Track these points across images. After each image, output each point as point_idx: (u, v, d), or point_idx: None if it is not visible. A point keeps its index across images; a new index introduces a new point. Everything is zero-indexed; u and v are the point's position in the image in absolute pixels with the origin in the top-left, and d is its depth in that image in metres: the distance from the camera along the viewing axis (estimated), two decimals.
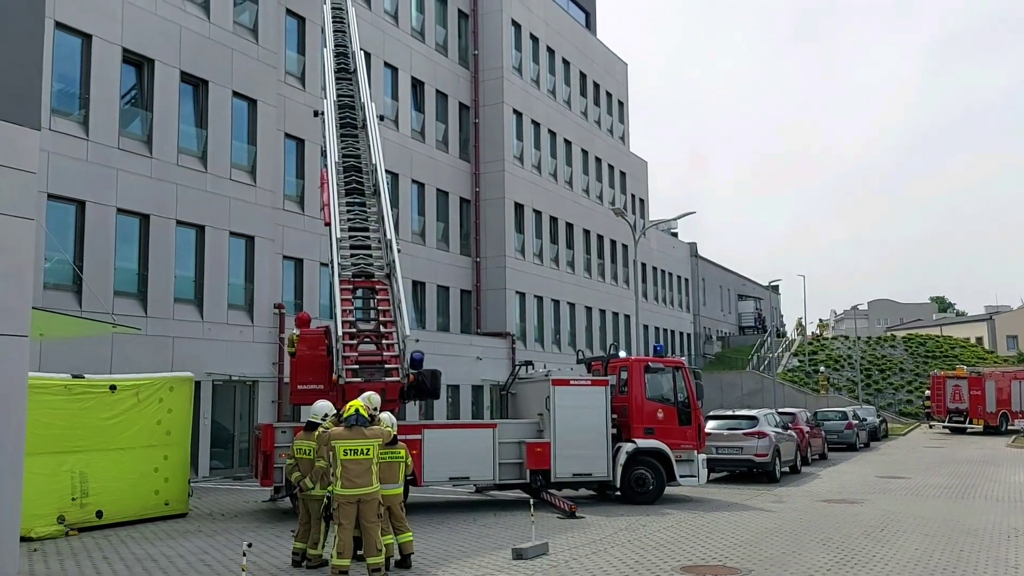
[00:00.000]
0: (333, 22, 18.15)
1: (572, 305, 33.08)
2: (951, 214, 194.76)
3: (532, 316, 30.15)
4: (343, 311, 12.22)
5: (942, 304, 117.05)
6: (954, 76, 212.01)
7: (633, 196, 40.88)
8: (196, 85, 18.15)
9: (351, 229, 13.55)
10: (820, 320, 69.15)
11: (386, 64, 25.25)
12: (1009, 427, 35.13)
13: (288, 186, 21.07)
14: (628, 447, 13.83)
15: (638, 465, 13.90)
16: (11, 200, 5.97)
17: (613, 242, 36.96)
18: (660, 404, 14.42)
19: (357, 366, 11.81)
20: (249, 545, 7.05)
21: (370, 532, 7.53)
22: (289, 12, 21.79)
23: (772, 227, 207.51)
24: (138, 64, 17.06)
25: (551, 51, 32.96)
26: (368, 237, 13.50)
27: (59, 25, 15.41)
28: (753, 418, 19.21)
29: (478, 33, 29.40)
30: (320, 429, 8.32)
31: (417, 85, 26.84)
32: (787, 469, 19.53)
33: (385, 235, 13.20)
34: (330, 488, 7.71)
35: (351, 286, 12.75)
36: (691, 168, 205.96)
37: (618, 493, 13.85)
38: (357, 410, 7.81)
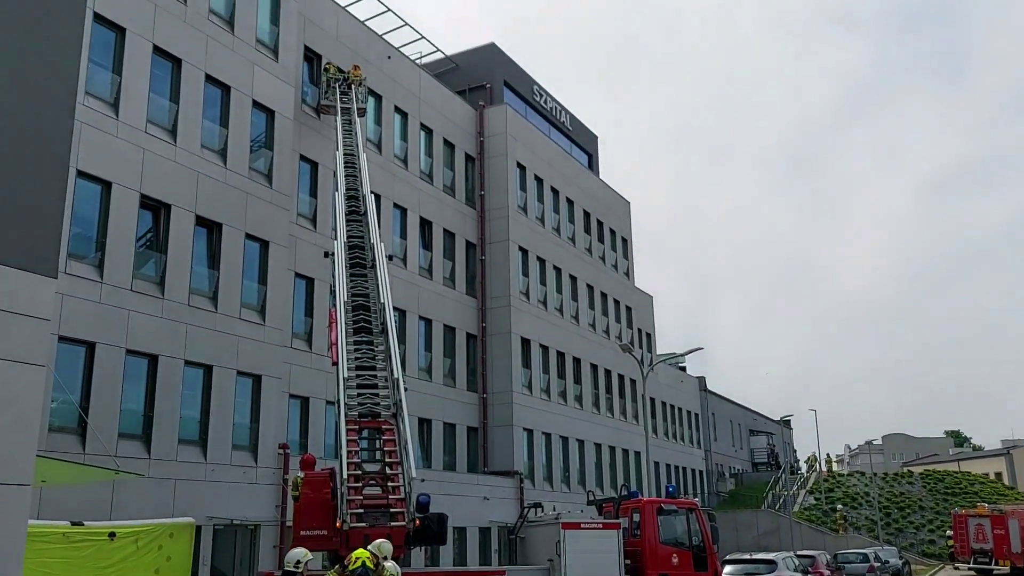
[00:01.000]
0: (345, 167, 19.11)
1: (581, 442, 32.61)
2: (960, 346, 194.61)
3: (540, 453, 29.42)
4: (348, 452, 12.07)
5: (958, 438, 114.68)
6: (950, 210, 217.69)
7: (640, 330, 41.03)
8: (210, 228, 18.55)
9: (358, 368, 13.55)
10: (828, 455, 67.56)
11: (395, 205, 26.00)
12: None
13: (297, 324, 21.24)
14: None
15: None
16: (23, 347, 5.99)
17: (621, 377, 36.86)
18: (674, 548, 13.93)
19: (362, 510, 11.59)
20: None
21: None
22: (303, 158, 22.66)
23: (780, 359, 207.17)
24: (155, 209, 17.46)
25: (555, 191, 34.14)
26: (375, 376, 13.46)
27: (80, 173, 15.83)
28: (772, 562, 18.38)
29: (484, 175, 30.60)
30: None
31: (425, 224, 27.53)
32: None
33: (392, 373, 13.16)
34: None
35: (357, 426, 12.61)
36: (697, 301, 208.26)
37: None
38: (363, 562, 7.47)
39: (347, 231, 16.39)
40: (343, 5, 26.07)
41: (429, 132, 28.38)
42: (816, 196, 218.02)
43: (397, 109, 27.04)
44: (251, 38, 20.36)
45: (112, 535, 10.96)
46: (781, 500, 44.47)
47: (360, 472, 12.03)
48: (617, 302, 37.94)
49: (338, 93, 22.69)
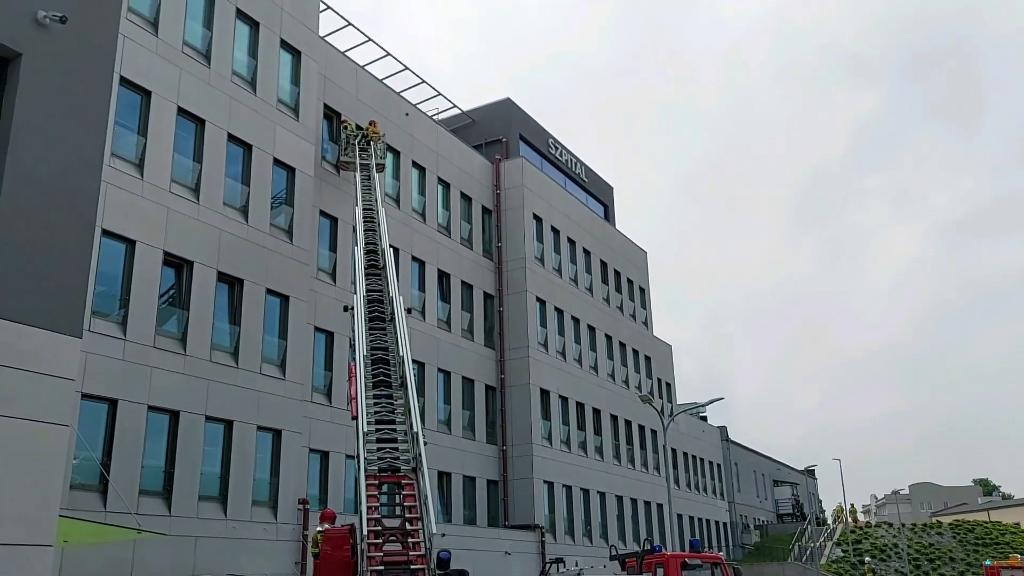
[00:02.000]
0: (364, 221, 19.07)
1: (602, 494, 32.15)
2: (984, 391, 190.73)
3: (561, 506, 29.01)
4: (368, 508, 11.90)
5: (987, 487, 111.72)
6: (970, 252, 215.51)
7: (659, 380, 40.63)
8: (231, 284, 18.58)
9: (378, 422, 13.43)
10: (854, 506, 65.83)
11: (413, 258, 26.17)
12: None
13: (316, 378, 21.19)
14: None
15: None
16: (48, 407, 5.92)
17: (642, 427, 36.48)
18: None
19: (382, 567, 11.30)
20: None
21: None
22: (323, 213, 22.85)
23: (802, 407, 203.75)
24: (177, 266, 17.53)
25: (572, 241, 34.36)
26: (395, 430, 13.36)
27: (105, 232, 15.84)
28: None
29: (501, 227, 30.86)
30: None
31: (443, 277, 27.60)
32: None
33: (412, 427, 13.06)
34: None
35: (377, 481, 12.47)
36: (716, 350, 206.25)
37: None
38: None
39: (366, 285, 16.42)
40: (362, 64, 26.52)
41: (447, 186, 28.78)
42: (834, 241, 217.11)
43: (415, 164, 27.34)
44: (272, 98, 20.63)
45: None
46: (808, 552, 43.22)
47: (380, 528, 11.82)
48: (636, 352, 37.88)
49: (357, 150, 22.99)
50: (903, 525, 49.56)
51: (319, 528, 12.40)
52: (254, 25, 20.41)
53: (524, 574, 25.28)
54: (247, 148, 19.60)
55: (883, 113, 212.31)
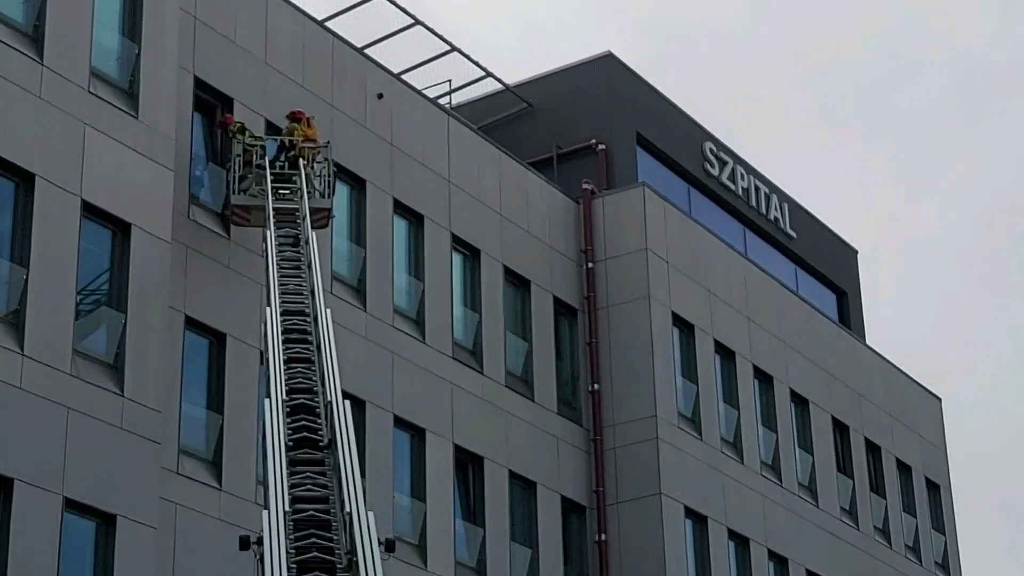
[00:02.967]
0: (284, 345, 19.95)
1: None
2: None
3: None
4: None
5: None
6: None
7: None
8: None
9: (296, 523, 15.72)
10: None
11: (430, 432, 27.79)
12: None
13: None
14: None
15: None
16: None
17: None
18: None
19: None
20: None
21: None
22: (193, 323, 23.23)
23: None
24: None
25: (762, 377, 36.04)
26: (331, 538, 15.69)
27: None
28: None
29: (597, 350, 32.38)
30: None
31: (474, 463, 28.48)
32: None
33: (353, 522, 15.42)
34: None
35: None
36: None
37: None
38: None
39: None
40: None
41: (470, 257, 29.77)
42: None
43: (407, 211, 28.47)
44: (77, 67, 21.43)
45: None
46: None
47: None
48: None
49: (268, 178, 23.83)
50: None
51: None
52: None
53: None
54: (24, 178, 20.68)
55: None
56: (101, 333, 21.81)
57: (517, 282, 30.94)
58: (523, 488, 29.40)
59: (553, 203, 32.27)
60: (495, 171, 30.97)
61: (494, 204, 30.51)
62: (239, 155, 24.12)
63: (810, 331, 37.49)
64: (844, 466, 37.30)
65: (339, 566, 15.67)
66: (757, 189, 38.81)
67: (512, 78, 35.75)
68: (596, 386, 31.39)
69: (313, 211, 23.33)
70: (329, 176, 24.75)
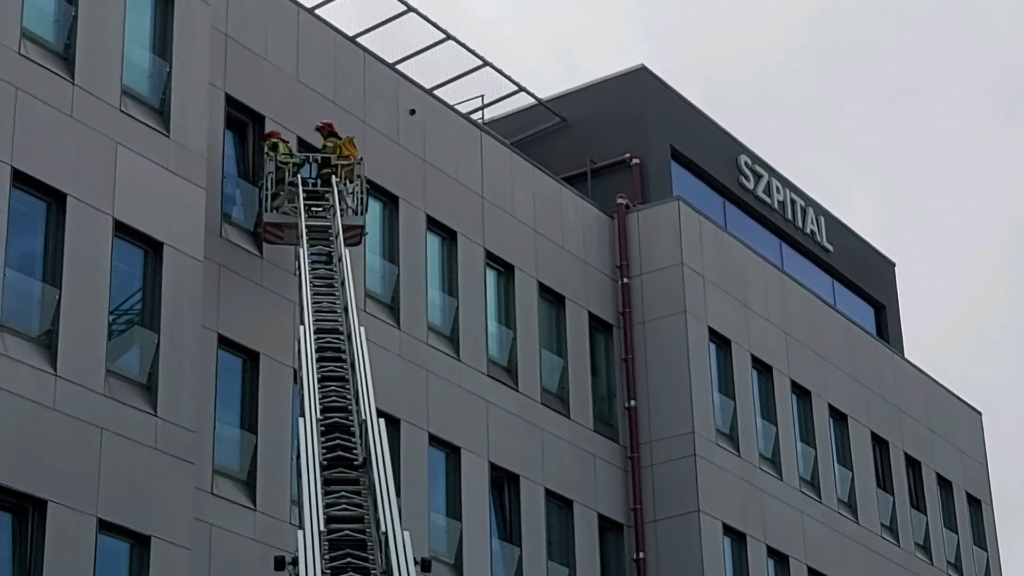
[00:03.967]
0: (319, 364, 20.19)
1: None
2: None
3: None
4: None
5: None
6: None
7: None
8: None
9: (331, 544, 15.94)
10: None
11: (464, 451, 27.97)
12: None
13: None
14: None
15: None
16: None
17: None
18: None
19: None
20: None
21: None
22: (226, 342, 23.55)
23: None
24: None
25: (800, 392, 36.17)
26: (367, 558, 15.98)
27: None
28: None
29: (632, 366, 32.58)
30: None
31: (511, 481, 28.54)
32: None
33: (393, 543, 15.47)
34: None
35: None
36: None
37: None
38: None
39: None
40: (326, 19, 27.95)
41: (504, 273, 29.89)
42: None
43: (441, 228, 28.61)
44: (108, 86, 21.52)
45: None
46: None
47: None
48: None
49: (301, 197, 23.82)
50: None
51: None
52: None
53: None
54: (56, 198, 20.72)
55: None
56: (134, 353, 21.94)
57: (552, 298, 30.97)
58: (560, 506, 29.38)
59: (587, 218, 32.32)
60: (529, 186, 31.03)
61: (528, 220, 30.61)
62: (271, 172, 24.19)
63: (848, 345, 37.48)
64: (884, 482, 37.17)
65: None
66: (793, 202, 38.81)
67: (545, 92, 35.89)
68: (632, 402, 31.42)
69: (346, 228, 23.36)
70: (362, 193, 24.76)
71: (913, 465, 38.74)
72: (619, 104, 35.07)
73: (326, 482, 17.13)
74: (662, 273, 32.03)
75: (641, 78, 35.43)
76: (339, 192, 24.00)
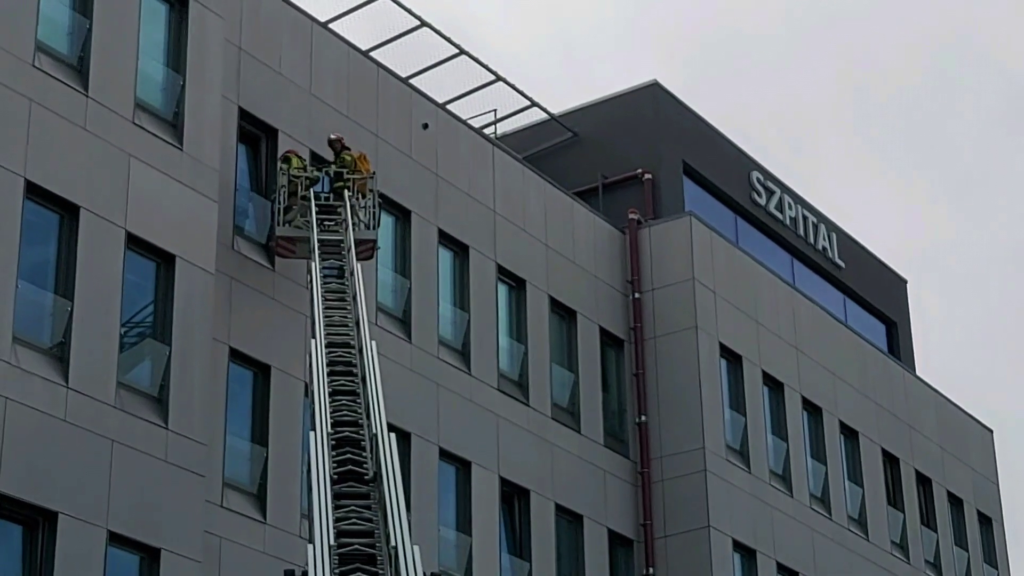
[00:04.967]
0: (330, 377, 20.30)
1: None
2: None
3: None
4: None
5: None
6: None
7: None
8: None
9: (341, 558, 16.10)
10: None
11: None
12: None
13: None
14: None
15: None
16: None
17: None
18: None
19: None
20: None
21: None
22: (237, 355, 23.75)
23: None
24: None
25: (811, 408, 36.12)
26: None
27: None
28: None
29: (643, 380, 32.68)
30: None
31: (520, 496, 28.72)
32: None
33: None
34: None
35: None
36: None
37: None
38: None
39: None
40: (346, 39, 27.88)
41: (515, 288, 30.06)
42: None
43: (454, 243, 28.70)
44: (122, 99, 21.72)
45: None
46: None
47: None
48: None
49: (313, 211, 23.96)
50: None
51: None
52: None
53: None
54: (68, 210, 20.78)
55: None
56: (145, 365, 21.98)
57: (563, 313, 30.99)
58: (570, 521, 29.33)
59: (599, 233, 32.34)
60: (541, 201, 31.07)
61: (540, 234, 30.62)
62: (284, 186, 24.25)
63: (859, 362, 37.45)
64: (894, 499, 37.11)
65: None
66: (805, 218, 38.82)
67: (557, 107, 35.94)
68: (643, 418, 31.43)
69: (358, 242, 23.41)
70: (374, 207, 24.82)
71: (924, 482, 38.68)
72: (631, 119, 35.07)
73: (336, 496, 17.11)
74: (673, 288, 32.06)
75: (653, 93, 35.46)
76: (351, 206, 24.02)
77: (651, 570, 30.00)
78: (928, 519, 38.20)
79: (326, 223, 23.81)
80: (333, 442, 18.10)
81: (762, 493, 31.50)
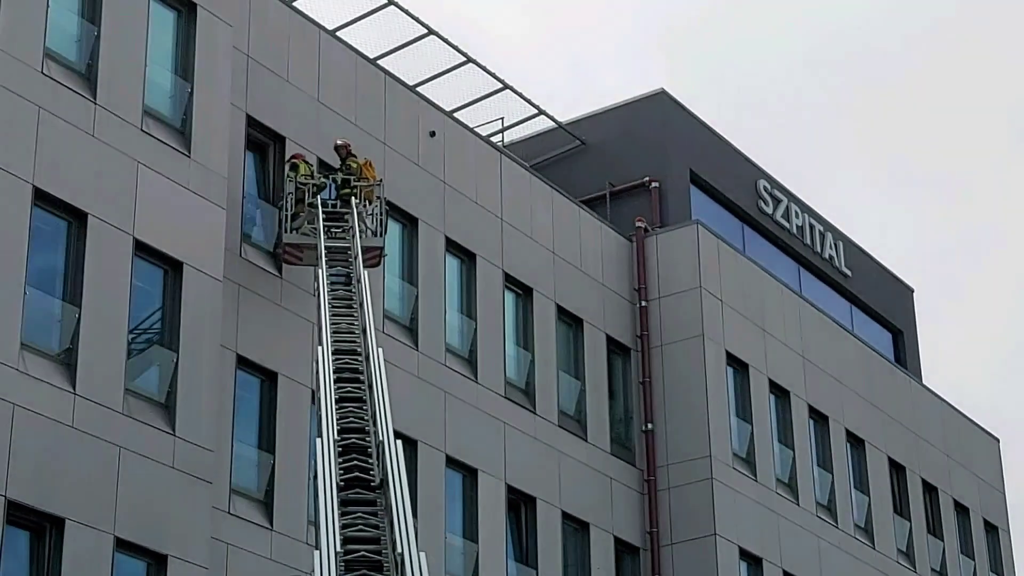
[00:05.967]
0: (337, 385, 20.33)
1: None
2: None
3: None
4: None
5: None
6: None
7: None
8: None
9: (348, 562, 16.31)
10: None
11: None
12: None
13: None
14: None
15: None
16: None
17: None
18: None
19: None
20: None
21: None
22: (245, 363, 23.91)
23: None
24: None
25: (817, 416, 36.17)
26: None
27: None
28: None
29: (650, 389, 32.62)
30: None
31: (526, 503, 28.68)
32: None
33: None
34: None
35: None
36: None
37: None
38: None
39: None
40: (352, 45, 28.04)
41: (522, 296, 30.12)
42: None
43: (459, 250, 28.78)
44: (132, 108, 21.95)
45: None
46: None
47: None
48: None
49: (321, 218, 24.01)
50: None
51: None
52: None
53: None
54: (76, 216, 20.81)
55: None
56: (153, 372, 21.99)
57: (570, 321, 31.02)
58: (576, 529, 29.30)
59: (606, 241, 32.36)
60: (548, 209, 31.10)
61: (547, 242, 30.64)
62: (291, 193, 24.27)
63: (866, 370, 37.43)
64: (901, 507, 37.09)
65: None
66: (811, 227, 38.80)
67: (564, 116, 35.95)
68: (650, 426, 31.43)
69: (365, 250, 23.44)
70: (381, 214, 24.84)
71: (930, 491, 38.62)
72: (638, 128, 35.08)
73: (343, 503, 17.15)
74: (680, 297, 32.03)
75: (661, 102, 35.49)
76: (359, 213, 24.06)
77: None
78: (934, 527, 38.11)
79: (333, 230, 23.83)
80: (340, 449, 18.07)
81: (768, 501, 31.46)
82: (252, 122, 25.08)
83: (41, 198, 19.98)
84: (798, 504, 32.39)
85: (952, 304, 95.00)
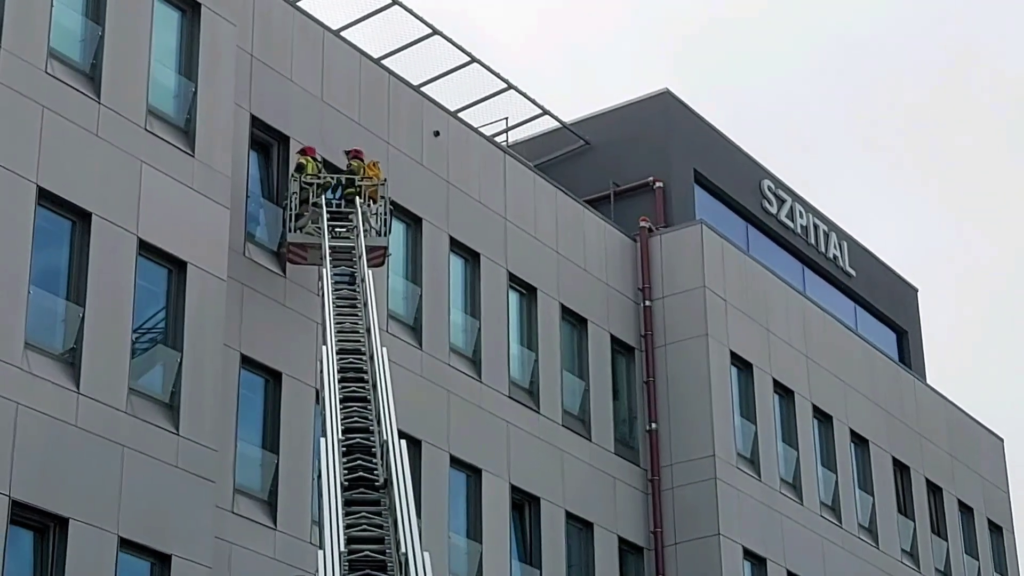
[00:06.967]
0: (341, 386, 20.31)
1: None
2: None
3: None
4: None
5: None
6: None
7: None
8: None
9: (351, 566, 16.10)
10: None
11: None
12: None
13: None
14: None
15: None
16: None
17: None
18: None
19: None
20: None
21: None
22: (249, 362, 24.00)
23: None
24: None
25: (821, 416, 36.11)
26: None
27: None
28: None
29: (654, 389, 32.60)
30: None
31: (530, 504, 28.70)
32: None
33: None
34: None
35: None
36: None
37: None
38: None
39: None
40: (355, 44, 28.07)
41: (526, 295, 30.17)
42: None
43: (465, 250, 28.78)
44: (135, 108, 21.91)
45: None
46: None
47: None
48: None
49: (324, 217, 23.99)
50: None
51: None
52: None
53: None
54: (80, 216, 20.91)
55: None
56: (157, 371, 21.99)
57: (574, 320, 31.00)
58: (580, 529, 29.27)
59: (610, 241, 32.37)
60: (552, 209, 31.11)
61: (551, 242, 30.65)
62: (295, 193, 24.29)
63: (870, 370, 37.40)
64: (905, 507, 37.04)
65: None
66: (815, 227, 38.78)
67: (568, 116, 35.93)
68: (654, 425, 31.40)
69: (369, 249, 23.45)
70: (385, 214, 24.89)
71: (934, 491, 38.56)
72: (643, 128, 35.07)
73: (347, 503, 17.11)
74: (684, 296, 32.05)
75: (665, 102, 35.49)
76: (363, 213, 24.08)
77: None
78: (938, 527, 38.05)
79: (337, 229, 23.85)
80: (344, 448, 18.06)
81: (772, 501, 31.44)
82: (256, 122, 25.06)
83: (45, 197, 19.97)
84: (802, 504, 32.36)
85: (956, 304, 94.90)
